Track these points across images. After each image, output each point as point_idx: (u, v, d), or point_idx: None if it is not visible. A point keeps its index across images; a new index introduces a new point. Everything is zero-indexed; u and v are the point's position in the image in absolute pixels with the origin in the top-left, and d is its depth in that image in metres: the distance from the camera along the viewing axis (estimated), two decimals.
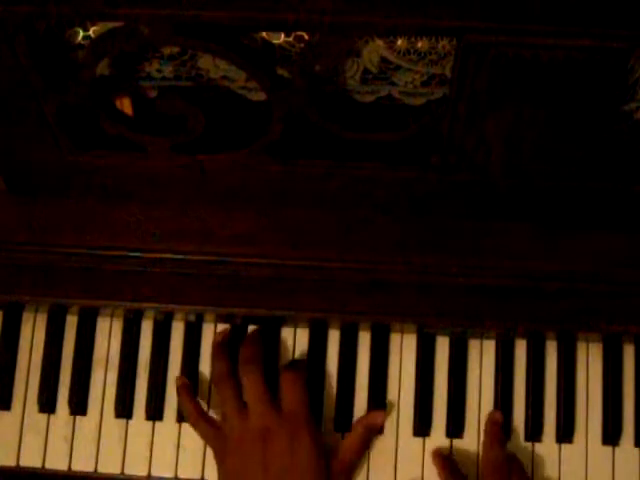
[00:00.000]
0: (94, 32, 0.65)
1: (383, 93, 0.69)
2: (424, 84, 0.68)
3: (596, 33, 0.56)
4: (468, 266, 0.79)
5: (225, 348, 0.85)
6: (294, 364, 0.85)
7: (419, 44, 0.65)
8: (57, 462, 0.85)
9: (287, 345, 0.86)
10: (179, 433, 0.85)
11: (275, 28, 0.64)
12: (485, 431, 0.84)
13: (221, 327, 0.86)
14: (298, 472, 0.77)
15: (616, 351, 0.85)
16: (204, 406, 0.85)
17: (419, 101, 0.69)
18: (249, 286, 0.81)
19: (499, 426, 0.83)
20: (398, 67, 0.66)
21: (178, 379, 0.85)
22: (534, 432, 0.84)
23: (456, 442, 0.84)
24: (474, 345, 0.86)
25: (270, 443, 0.78)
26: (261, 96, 0.69)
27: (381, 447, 0.84)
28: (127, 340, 0.87)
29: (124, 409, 0.85)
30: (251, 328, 0.86)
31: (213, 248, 0.80)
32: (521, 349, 0.86)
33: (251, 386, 0.81)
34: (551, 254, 0.79)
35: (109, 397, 0.86)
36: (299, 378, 0.82)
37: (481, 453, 0.83)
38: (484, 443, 0.83)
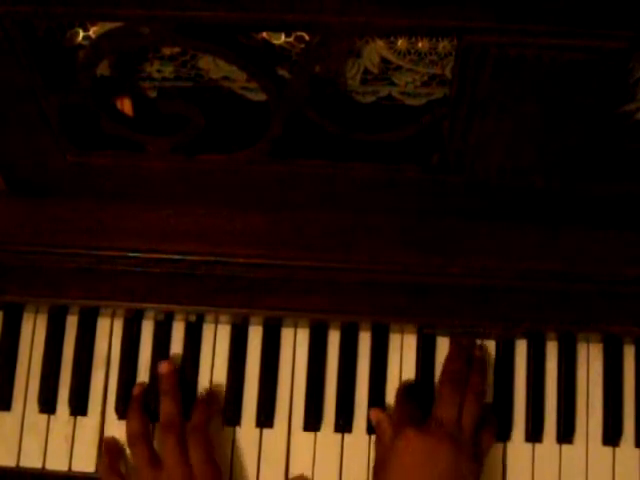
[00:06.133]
0: (94, 32, 0.65)
1: (383, 93, 0.69)
2: (424, 84, 0.68)
3: (597, 34, 0.56)
4: (468, 266, 0.79)
5: (140, 404, 0.84)
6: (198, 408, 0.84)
7: (419, 44, 0.65)
8: (57, 462, 0.85)
9: (287, 345, 0.86)
10: None
11: (276, 28, 0.64)
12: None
13: (221, 327, 0.87)
14: None
15: (616, 352, 0.85)
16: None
17: (419, 101, 0.69)
18: (249, 286, 0.80)
19: (457, 344, 0.84)
20: (398, 67, 0.66)
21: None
22: (534, 432, 0.84)
23: None
24: None
25: None
26: (261, 96, 0.69)
27: None
28: (127, 340, 0.87)
29: (125, 410, 0.85)
30: (253, 328, 0.86)
31: (213, 248, 0.79)
32: (521, 349, 0.86)
33: (168, 455, 0.80)
34: (551, 254, 0.79)
35: (109, 397, 0.86)
36: (201, 435, 0.81)
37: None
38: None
